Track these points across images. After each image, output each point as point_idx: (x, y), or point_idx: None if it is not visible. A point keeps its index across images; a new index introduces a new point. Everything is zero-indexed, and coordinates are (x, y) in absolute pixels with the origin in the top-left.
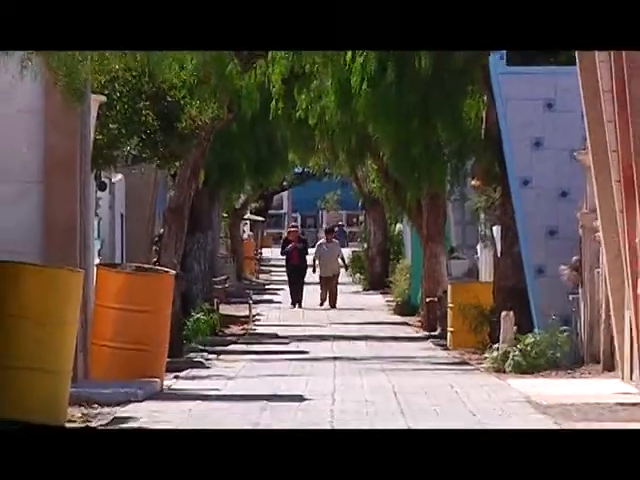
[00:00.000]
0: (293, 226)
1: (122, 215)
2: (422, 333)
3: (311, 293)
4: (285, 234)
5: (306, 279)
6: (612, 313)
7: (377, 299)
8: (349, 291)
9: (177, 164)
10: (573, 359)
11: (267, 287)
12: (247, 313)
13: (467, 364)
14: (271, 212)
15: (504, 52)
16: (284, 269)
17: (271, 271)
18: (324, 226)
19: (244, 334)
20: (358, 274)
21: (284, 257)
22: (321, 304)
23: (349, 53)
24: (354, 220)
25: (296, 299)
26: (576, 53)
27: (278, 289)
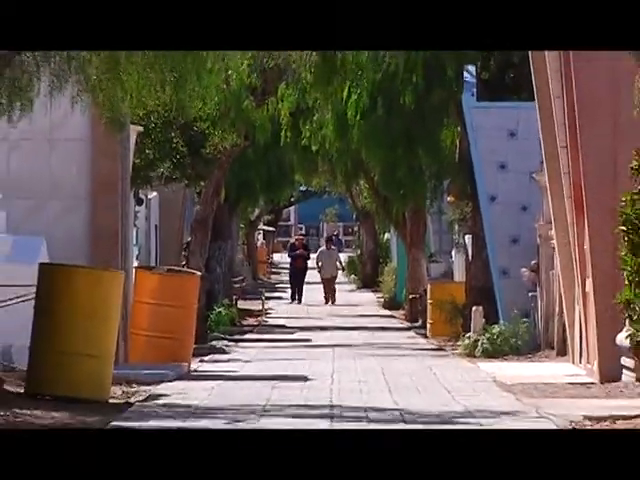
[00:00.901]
0: (301, 234)
1: (156, 226)
2: (406, 324)
3: (312, 291)
4: (292, 241)
5: (307, 280)
6: (564, 308)
7: (369, 296)
8: (345, 289)
9: (202, 183)
10: (532, 346)
11: (277, 286)
12: (260, 307)
13: (443, 350)
14: (280, 223)
15: (474, 90)
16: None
17: (280, 273)
18: (324, 235)
19: (258, 325)
20: (353, 275)
21: (290, 258)
22: (325, 302)
23: (345, 90)
24: (350, 230)
25: (298, 296)
26: (534, 91)
27: (286, 288)
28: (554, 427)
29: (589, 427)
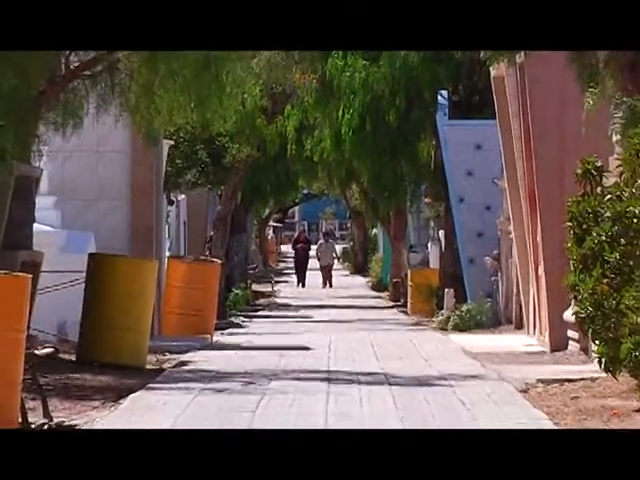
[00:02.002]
0: (302, 230)
1: (185, 222)
2: (390, 303)
3: (314, 276)
4: (295, 235)
5: (309, 267)
6: (521, 290)
7: (359, 280)
8: (340, 275)
9: (222, 187)
10: (494, 321)
11: (284, 272)
12: (270, 289)
13: (421, 325)
14: (287, 220)
15: (447, 110)
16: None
17: (286, 261)
18: (323, 230)
19: (268, 304)
20: (347, 263)
21: (294, 250)
22: (323, 286)
23: (340, 111)
24: (344, 226)
25: (301, 281)
26: (496, 111)
27: (292, 273)
28: (512, 388)
29: (541, 389)
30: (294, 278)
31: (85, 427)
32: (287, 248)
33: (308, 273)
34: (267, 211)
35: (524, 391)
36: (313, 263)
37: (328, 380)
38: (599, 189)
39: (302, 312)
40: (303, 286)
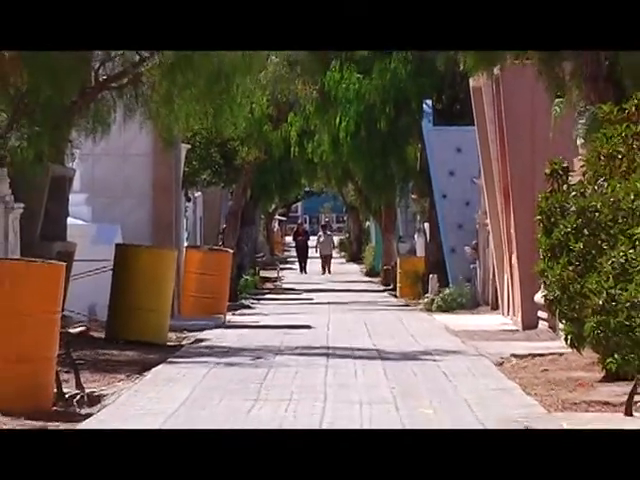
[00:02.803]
0: (299, 223)
1: (200, 217)
2: (381, 288)
3: (314, 264)
4: (295, 228)
5: (310, 255)
6: (497, 275)
7: (354, 267)
8: (338, 262)
9: (234, 186)
10: (473, 303)
11: (288, 260)
12: (276, 275)
13: (409, 306)
14: (290, 215)
15: (431, 117)
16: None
17: (290, 250)
18: (322, 223)
19: (274, 288)
20: (343, 252)
21: (295, 242)
22: (322, 273)
23: (337, 118)
24: (341, 219)
25: (303, 268)
26: (475, 117)
27: (295, 261)
28: (489, 362)
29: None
30: (297, 265)
31: (113, 397)
32: (291, 239)
33: (309, 261)
34: (273, 206)
35: (499, 364)
36: (312, 252)
37: (327, 355)
38: (565, 187)
39: (304, 295)
40: (305, 272)
